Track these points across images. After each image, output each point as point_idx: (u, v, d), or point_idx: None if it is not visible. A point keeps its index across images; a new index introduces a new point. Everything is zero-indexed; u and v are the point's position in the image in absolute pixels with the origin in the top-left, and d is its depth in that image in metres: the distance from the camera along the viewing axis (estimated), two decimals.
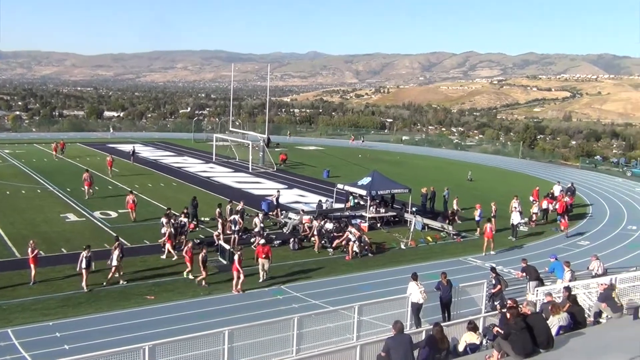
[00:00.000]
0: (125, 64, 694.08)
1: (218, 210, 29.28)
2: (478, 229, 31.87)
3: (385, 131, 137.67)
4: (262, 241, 24.50)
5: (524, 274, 20.95)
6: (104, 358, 11.24)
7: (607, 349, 12.13)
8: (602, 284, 16.19)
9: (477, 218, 32.20)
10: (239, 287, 21.23)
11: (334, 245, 27.43)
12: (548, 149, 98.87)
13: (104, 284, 21.44)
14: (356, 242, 26.65)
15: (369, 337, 14.61)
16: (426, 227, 32.21)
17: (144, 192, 38.77)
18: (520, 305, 13.52)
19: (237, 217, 27.92)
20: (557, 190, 41.02)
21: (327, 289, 22.17)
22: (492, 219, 29.82)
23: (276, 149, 63.83)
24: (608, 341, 13.00)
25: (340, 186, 36.02)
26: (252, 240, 26.94)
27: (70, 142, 58.80)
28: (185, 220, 27.05)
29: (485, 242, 28.25)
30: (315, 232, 27.77)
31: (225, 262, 23.97)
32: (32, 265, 21.26)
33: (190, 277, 22.33)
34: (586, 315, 15.57)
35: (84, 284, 20.86)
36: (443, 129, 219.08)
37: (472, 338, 13.41)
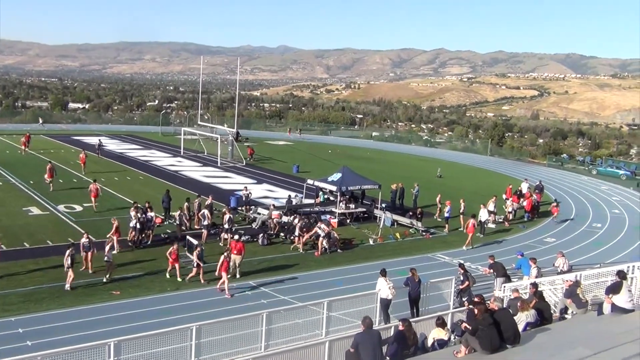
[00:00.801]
0: (91, 55, 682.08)
1: (186, 204, 29.09)
2: (447, 226, 32.24)
3: (355, 127, 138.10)
4: (236, 237, 24.53)
5: (492, 271, 21.22)
6: (68, 354, 11.06)
7: (573, 344, 12.36)
8: (567, 281, 16.50)
9: (446, 215, 32.51)
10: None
11: (302, 240, 27.35)
12: (516, 146, 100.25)
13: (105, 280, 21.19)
14: (325, 238, 26.70)
15: (337, 333, 14.68)
16: (395, 223, 32.43)
17: (110, 185, 38.20)
18: (488, 302, 13.70)
19: (206, 211, 27.76)
20: (524, 187, 41.66)
21: (296, 284, 22.19)
22: (463, 215, 30.30)
23: (245, 144, 63.52)
24: (573, 336, 13.25)
25: (310, 182, 36.00)
26: (223, 235, 26.83)
27: (34, 134, 57.51)
28: (152, 214, 26.78)
29: (470, 237, 29.01)
30: (297, 232, 27.51)
31: (192, 257, 23.81)
32: None
33: (179, 279, 21.67)
34: (552, 311, 15.85)
35: (68, 285, 20.15)
36: (413, 125, 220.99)
37: (440, 334, 13.55)
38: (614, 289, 14.23)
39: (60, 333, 16.34)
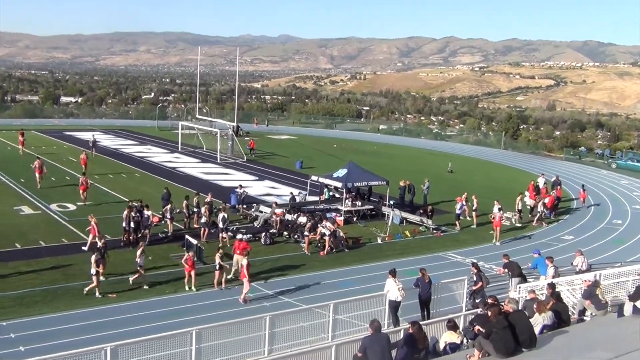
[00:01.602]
0: (83, 46, 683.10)
1: (185, 202, 29.18)
2: (458, 223, 32.25)
3: (362, 120, 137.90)
4: (240, 236, 24.63)
5: (506, 270, 21.21)
6: None
7: (592, 347, 12.35)
8: (586, 281, 16.50)
9: (457, 212, 32.52)
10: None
11: (308, 240, 27.35)
12: (531, 139, 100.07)
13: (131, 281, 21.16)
14: (331, 236, 26.72)
15: (344, 336, 14.70)
16: (404, 221, 32.43)
17: (104, 183, 38.37)
18: (502, 303, 13.70)
19: (203, 209, 27.84)
20: (541, 183, 41.59)
21: (300, 286, 22.21)
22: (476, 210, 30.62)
23: (246, 138, 63.59)
24: (593, 339, 13.24)
25: (314, 178, 36.01)
26: (222, 235, 26.89)
27: (24, 129, 57.63)
28: (149, 213, 26.84)
29: (497, 231, 29.91)
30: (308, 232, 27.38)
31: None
32: None
33: (194, 289, 21.13)
34: (570, 313, 15.85)
35: (98, 293, 20.09)
36: (422, 117, 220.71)
37: (452, 337, 13.57)
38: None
39: (55, 338, 16.41)
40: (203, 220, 27.46)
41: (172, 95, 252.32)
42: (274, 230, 29.02)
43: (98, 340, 14.22)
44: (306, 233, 27.06)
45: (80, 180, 33.17)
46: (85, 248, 24.59)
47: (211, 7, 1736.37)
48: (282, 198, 35.72)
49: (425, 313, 17.78)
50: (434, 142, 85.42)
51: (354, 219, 32.82)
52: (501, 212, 31.08)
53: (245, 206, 33.02)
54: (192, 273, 21.19)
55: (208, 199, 29.79)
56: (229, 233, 26.92)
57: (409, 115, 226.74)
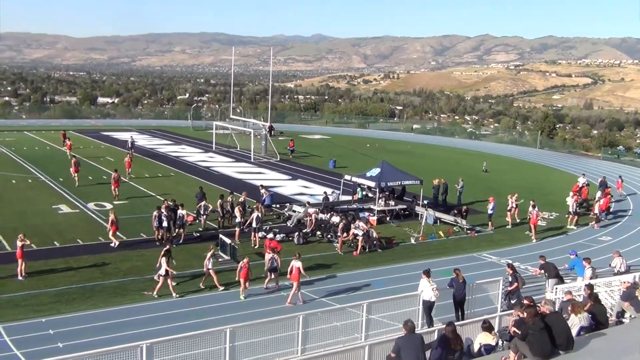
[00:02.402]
0: (119, 47, 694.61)
1: (219, 201, 29.42)
2: (490, 223, 31.93)
3: (395, 119, 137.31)
4: (270, 235, 24.72)
5: (542, 271, 20.95)
6: (99, 356, 11.29)
7: (630, 350, 12.12)
8: (625, 282, 16.20)
9: (489, 211, 32.17)
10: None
11: (341, 239, 27.29)
12: (568, 138, 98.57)
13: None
14: (364, 236, 26.65)
15: (378, 336, 14.66)
16: (438, 221, 32.21)
17: (141, 182, 38.89)
18: (539, 304, 13.51)
19: (237, 209, 28.01)
20: (581, 182, 40.85)
21: (333, 285, 22.22)
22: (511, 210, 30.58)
23: (280, 138, 63.82)
24: (631, 342, 12.97)
25: (347, 177, 35.96)
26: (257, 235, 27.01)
27: (63, 130, 58.73)
28: (183, 212, 27.06)
29: (534, 228, 30.13)
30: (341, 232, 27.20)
31: (226, 256, 24.10)
32: (19, 260, 21.29)
33: (241, 295, 20.50)
34: (608, 315, 15.55)
35: (155, 293, 20.20)
36: (456, 117, 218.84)
37: (487, 338, 13.41)
38: None
39: (92, 335, 16.67)
40: (237, 219, 27.62)
41: (207, 95, 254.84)
42: (307, 230, 29.08)
43: (134, 338, 14.38)
44: (339, 234, 27.03)
45: (113, 175, 34.49)
46: (113, 245, 25.07)
47: (245, 7, 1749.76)
48: (315, 197, 35.77)
49: (460, 314, 17.63)
50: (468, 141, 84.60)
51: (387, 218, 32.70)
52: (536, 209, 30.70)
53: (278, 205, 33.09)
54: (247, 283, 20.50)
55: (242, 199, 29.96)
56: (263, 232, 26.99)
57: (442, 115, 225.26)
